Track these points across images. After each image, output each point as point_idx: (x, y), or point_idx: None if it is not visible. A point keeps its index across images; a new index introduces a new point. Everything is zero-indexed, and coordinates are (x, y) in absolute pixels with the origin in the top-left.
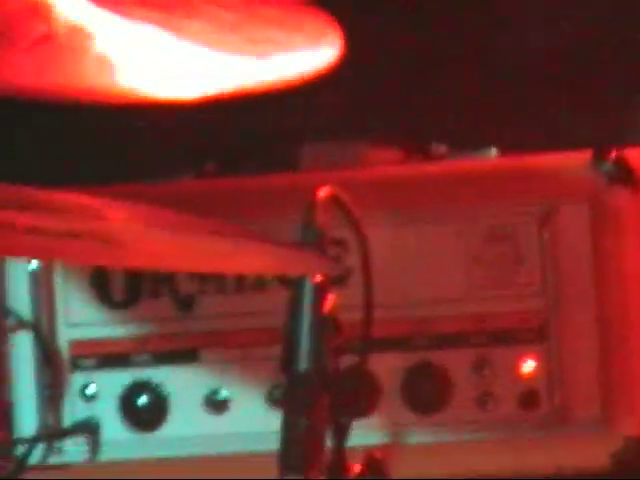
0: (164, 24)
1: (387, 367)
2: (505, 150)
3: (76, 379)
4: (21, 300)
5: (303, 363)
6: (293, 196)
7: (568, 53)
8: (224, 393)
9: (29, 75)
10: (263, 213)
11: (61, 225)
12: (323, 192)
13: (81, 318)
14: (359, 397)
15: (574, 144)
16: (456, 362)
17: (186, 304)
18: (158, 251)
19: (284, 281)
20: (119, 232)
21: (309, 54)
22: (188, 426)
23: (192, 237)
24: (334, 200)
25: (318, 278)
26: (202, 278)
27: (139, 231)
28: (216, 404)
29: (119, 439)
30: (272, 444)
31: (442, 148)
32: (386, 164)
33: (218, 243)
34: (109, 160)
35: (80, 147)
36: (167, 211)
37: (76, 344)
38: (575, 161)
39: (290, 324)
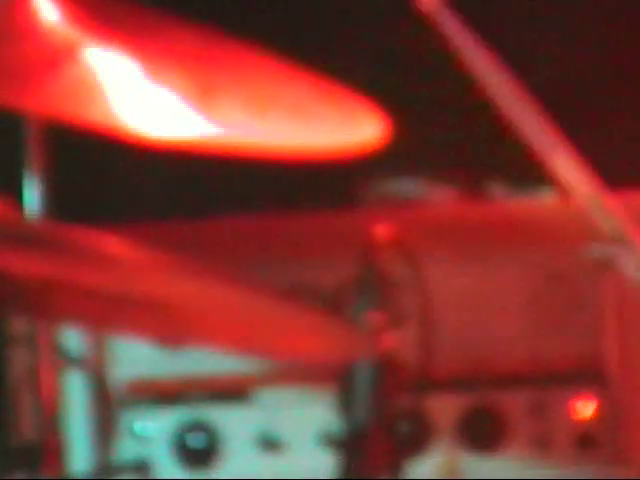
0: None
1: (443, 408)
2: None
3: (128, 418)
4: (73, 338)
5: (360, 404)
6: (350, 233)
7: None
8: (277, 433)
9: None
10: (320, 250)
11: (120, 288)
12: (381, 231)
13: (134, 357)
14: (416, 438)
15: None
16: (513, 403)
17: None
18: (219, 324)
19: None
20: (180, 302)
21: (347, 131)
22: (241, 466)
23: (253, 307)
24: (393, 239)
25: (376, 319)
26: None
27: (200, 303)
28: (269, 444)
29: (171, 478)
30: None
31: (499, 187)
32: (443, 203)
33: (278, 318)
34: (159, 196)
35: (131, 186)
36: (231, 281)
37: (128, 382)
38: (638, 200)
39: (347, 365)
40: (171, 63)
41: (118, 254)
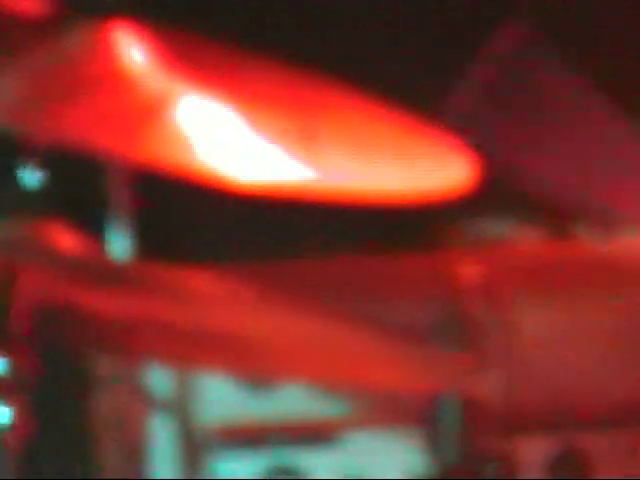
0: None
1: (531, 450)
2: None
3: (215, 461)
4: (160, 380)
5: (447, 446)
6: (438, 275)
7: None
8: (364, 476)
9: (108, 140)
10: (409, 292)
11: (205, 325)
12: (469, 272)
13: (220, 399)
14: None
15: None
16: (603, 447)
17: None
18: (302, 358)
19: None
20: (264, 337)
21: (439, 174)
22: None
23: (337, 340)
24: (480, 281)
25: (463, 360)
26: None
27: (284, 338)
28: None
29: None
30: None
31: (585, 227)
32: (530, 244)
33: (363, 351)
34: (242, 238)
35: (220, 226)
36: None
37: (215, 425)
38: None
39: (434, 408)
40: (268, 107)
41: (202, 291)
